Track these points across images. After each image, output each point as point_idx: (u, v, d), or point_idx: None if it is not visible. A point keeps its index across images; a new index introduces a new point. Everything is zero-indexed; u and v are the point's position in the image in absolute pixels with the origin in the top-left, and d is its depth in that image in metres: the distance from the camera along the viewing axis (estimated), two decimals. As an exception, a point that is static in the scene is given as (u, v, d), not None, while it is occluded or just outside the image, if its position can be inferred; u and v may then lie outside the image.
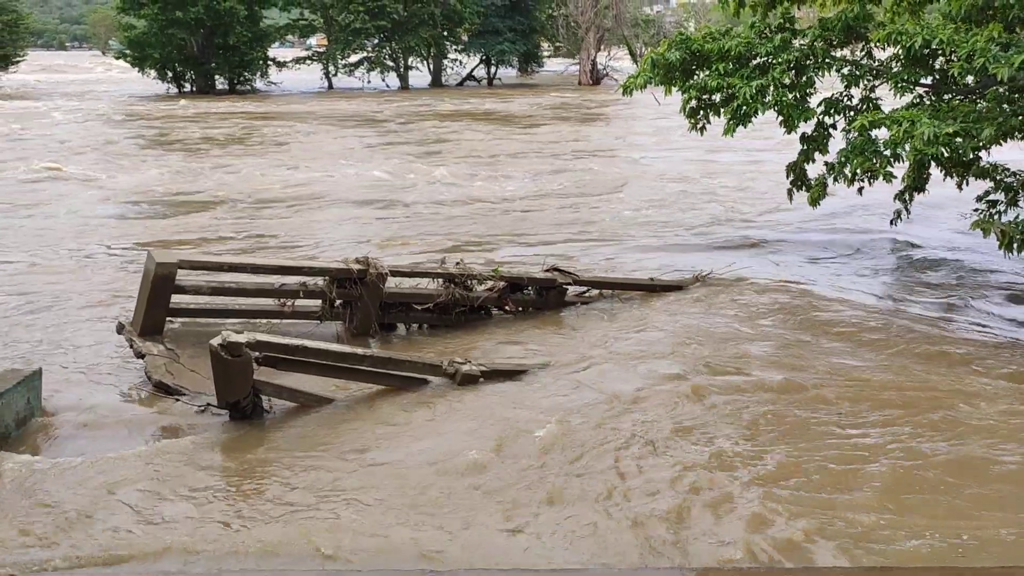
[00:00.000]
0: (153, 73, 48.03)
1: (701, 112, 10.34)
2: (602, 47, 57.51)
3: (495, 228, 13.69)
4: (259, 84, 50.37)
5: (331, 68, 52.59)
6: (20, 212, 14.81)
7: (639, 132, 28.62)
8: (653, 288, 9.68)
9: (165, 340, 7.60)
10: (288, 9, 53.35)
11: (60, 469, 5.65)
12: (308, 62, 53.21)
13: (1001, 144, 8.00)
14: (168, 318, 7.81)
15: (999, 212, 9.28)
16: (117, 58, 51.70)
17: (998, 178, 9.28)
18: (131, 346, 7.52)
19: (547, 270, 9.27)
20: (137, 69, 48.25)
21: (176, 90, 48.10)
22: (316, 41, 62.72)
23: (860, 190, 10.17)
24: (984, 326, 8.73)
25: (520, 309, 9.03)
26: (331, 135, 27.41)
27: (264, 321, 8.25)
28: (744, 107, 9.57)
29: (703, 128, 10.50)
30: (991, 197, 9.60)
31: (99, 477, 5.57)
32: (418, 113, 35.17)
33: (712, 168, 19.84)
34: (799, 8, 10.74)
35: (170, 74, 48.30)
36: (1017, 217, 8.25)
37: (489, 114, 34.86)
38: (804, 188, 10.82)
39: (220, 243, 12.63)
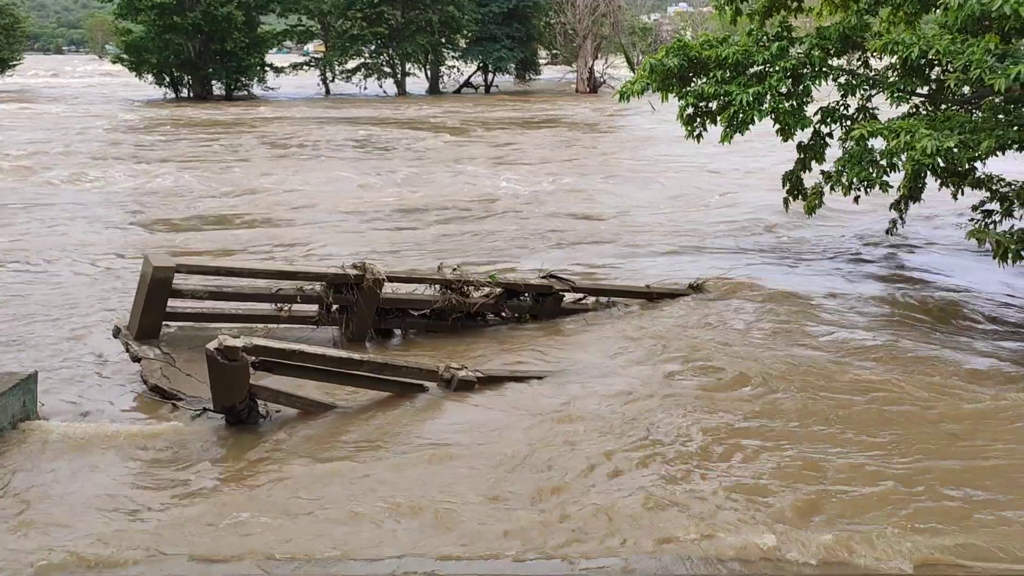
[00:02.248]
0: (150, 78, 47.98)
1: (698, 120, 10.37)
2: (599, 55, 57.59)
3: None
4: (256, 90, 50.34)
5: (328, 74, 52.60)
6: (20, 216, 14.82)
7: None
8: (650, 296, 9.68)
9: (161, 344, 7.60)
10: (286, 15, 53.31)
11: (51, 470, 5.65)
12: (306, 68, 53.21)
13: (997, 155, 8.03)
14: (165, 322, 7.81)
15: (994, 222, 9.31)
16: (114, 62, 51.65)
17: (993, 188, 9.32)
18: (127, 350, 7.52)
19: (543, 277, 9.27)
20: (134, 74, 48.18)
21: (173, 95, 48.07)
22: (313, 47, 62.66)
23: (856, 199, 10.20)
24: (971, 332, 8.77)
25: (516, 316, 9.03)
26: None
27: (261, 326, 8.25)
28: (741, 114, 9.59)
29: (700, 136, 10.52)
30: (986, 207, 9.63)
31: (90, 478, 5.58)
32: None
33: (716, 176, 19.88)
34: (795, 17, 10.79)
35: (167, 79, 48.26)
36: (1012, 227, 8.27)
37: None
38: (800, 197, 10.85)
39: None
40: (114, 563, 4.70)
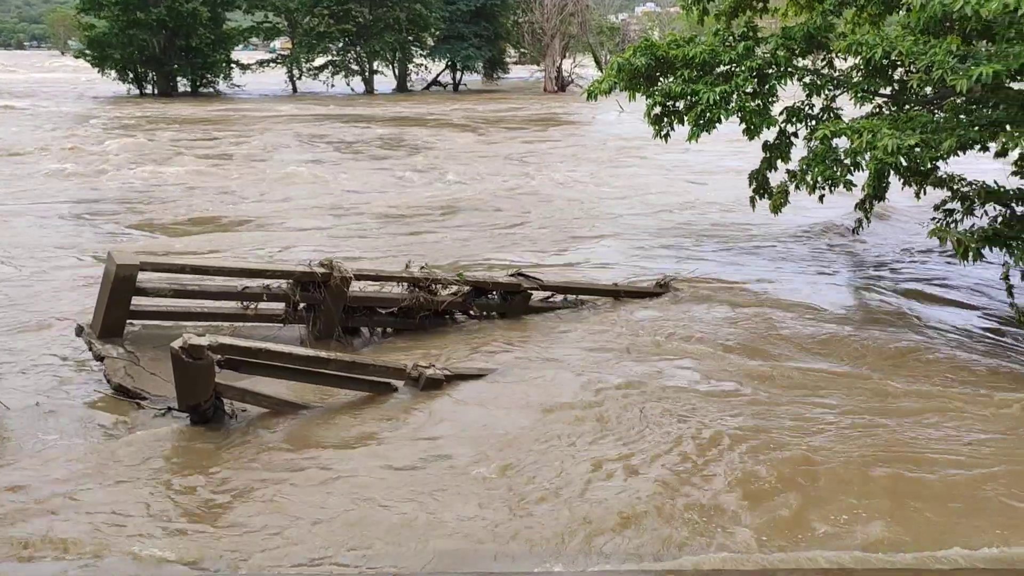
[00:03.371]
0: (114, 74, 47.43)
1: (665, 119, 10.42)
2: (567, 54, 57.75)
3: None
4: (222, 86, 49.93)
5: (295, 71, 52.29)
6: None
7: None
8: (617, 294, 9.72)
9: (125, 343, 7.51)
10: (252, 12, 52.92)
11: (9, 471, 5.58)
12: (272, 65, 52.86)
13: (959, 155, 8.13)
14: (129, 320, 7.72)
15: (956, 221, 9.43)
16: (77, 57, 51.03)
17: (955, 188, 9.42)
18: (90, 348, 7.42)
19: (512, 275, 9.27)
20: (97, 70, 47.61)
21: (137, 91, 47.54)
22: (280, 44, 62.28)
23: (821, 198, 10.29)
24: (935, 328, 8.90)
25: (484, 314, 9.02)
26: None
27: (227, 324, 8.18)
28: (707, 113, 9.64)
29: (667, 135, 10.56)
30: (948, 206, 9.75)
31: (50, 480, 5.51)
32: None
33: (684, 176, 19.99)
34: (761, 18, 10.86)
35: (131, 75, 47.72)
36: (972, 226, 8.38)
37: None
38: (766, 195, 10.93)
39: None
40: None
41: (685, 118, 10.11)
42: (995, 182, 8.83)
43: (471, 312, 8.96)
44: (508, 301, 9.13)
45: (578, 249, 12.68)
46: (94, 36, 46.40)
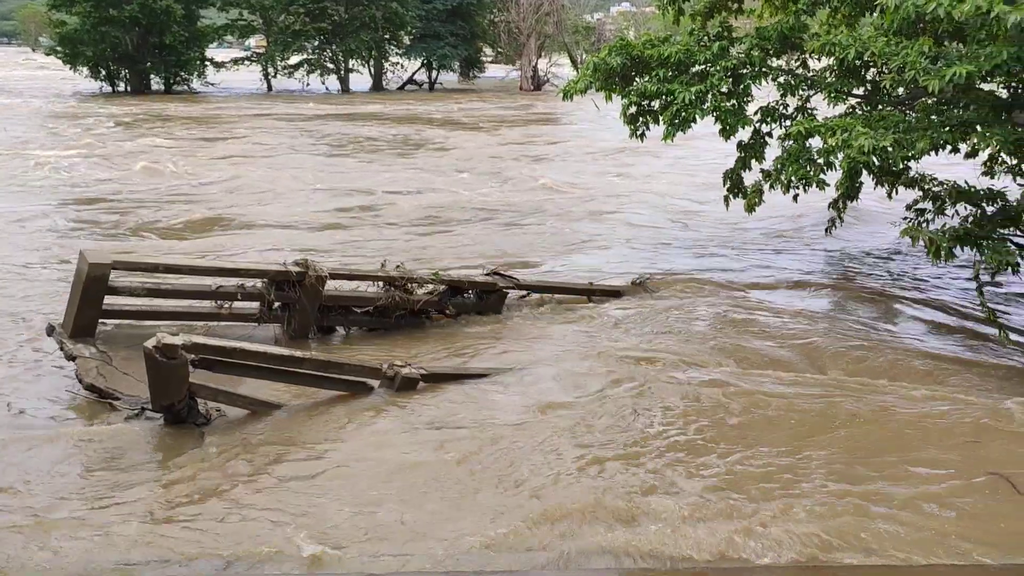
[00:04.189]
0: (85, 71, 46.97)
1: (640, 119, 10.45)
2: (543, 53, 57.80)
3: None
4: (196, 85, 49.57)
5: (270, 70, 51.99)
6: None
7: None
8: (592, 293, 9.74)
9: (97, 342, 7.45)
10: (226, 9, 52.54)
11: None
12: (247, 63, 52.53)
13: (931, 155, 8.20)
14: (101, 320, 7.65)
15: (927, 220, 9.52)
16: (48, 55, 50.49)
17: (926, 187, 9.51)
18: (62, 348, 7.35)
19: (488, 274, 9.27)
20: (69, 67, 47.13)
21: (110, 89, 47.10)
22: (255, 42, 61.89)
23: (795, 197, 10.35)
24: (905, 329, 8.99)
25: (460, 313, 9.01)
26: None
27: (201, 323, 8.13)
28: (683, 113, 9.69)
29: (643, 135, 10.60)
30: (919, 206, 9.84)
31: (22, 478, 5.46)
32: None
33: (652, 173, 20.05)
34: (736, 18, 10.91)
35: (103, 72, 47.28)
36: (944, 226, 8.47)
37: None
38: (741, 195, 10.98)
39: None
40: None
41: (660, 118, 10.15)
42: (966, 182, 8.92)
43: (447, 311, 8.95)
44: (484, 300, 9.13)
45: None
46: (65, 33, 45.90)
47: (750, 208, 10.47)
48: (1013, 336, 8.51)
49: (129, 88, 47.37)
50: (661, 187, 18.31)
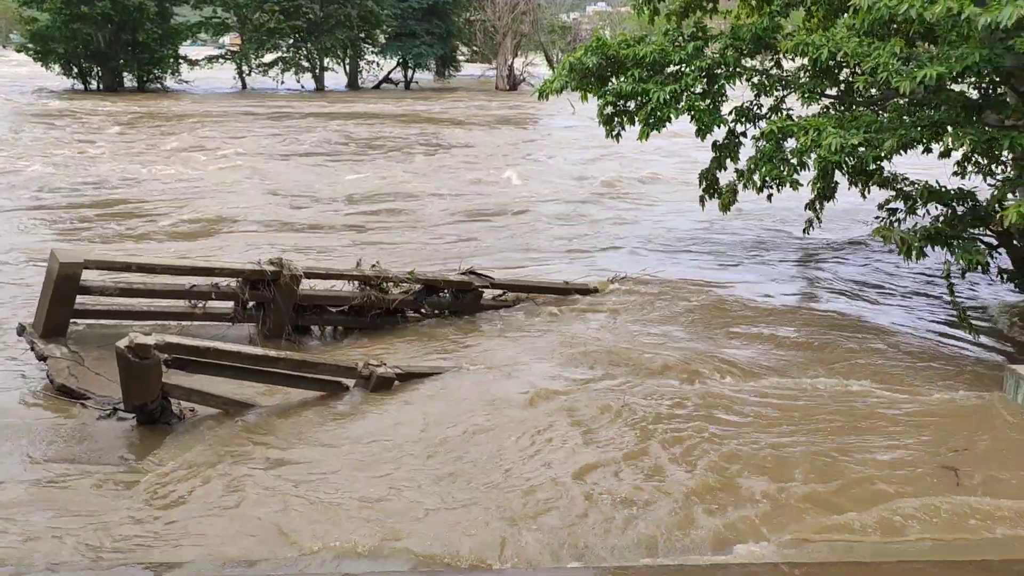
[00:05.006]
0: (57, 68, 46.48)
1: (616, 119, 10.48)
2: (519, 53, 57.80)
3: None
4: (170, 82, 49.17)
5: (245, 68, 51.65)
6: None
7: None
8: (568, 292, 9.76)
9: (69, 342, 7.38)
10: (200, 7, 52.15)
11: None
12: (221, 61, 52.17)
13: (902, 154, 8.28)
14: (72, 320, 7.58)
15: (899, 220, 9.60)
16: (19, 51, 49.88)
17: (898, 187, 9.60)
18: (33, 348, 7.28)
19: (463, 273, 9.26)
20: (40, 64, 46.62)
21: (82, 86, 46.63)
22: (229, 40, 61.42)
23: (769, 197, 10.43)
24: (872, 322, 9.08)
25: (436, 312, 9.00)
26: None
27: (174, 323, 8.07)
28: (658, 112, 9.73)
29: (619, 135, 10.63)
30: (891, 205, 9.93)
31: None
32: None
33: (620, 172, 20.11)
34: (711, 19, 10.97)
35: (75, 70, 46.80)
36: (915, 225, 8.54)
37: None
38: (716, 195, 11.04)
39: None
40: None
41: (636, 118, 10.19)
42: (937, 182, 9.01)
43: (423, 310, 8.94)
44: (459, 299, 9.12)
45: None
46: (36, 30, 45.37)
47: (725, 208, 10.53)
48: (983, 338, 8.62)
49: (101, 86, 46.90)
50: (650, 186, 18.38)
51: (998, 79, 8.30)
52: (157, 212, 14.65)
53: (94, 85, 47.09)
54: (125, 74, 47.87)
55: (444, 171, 20.09)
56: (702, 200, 11.31)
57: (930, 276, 11.02)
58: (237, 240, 12.75)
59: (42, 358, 7.11)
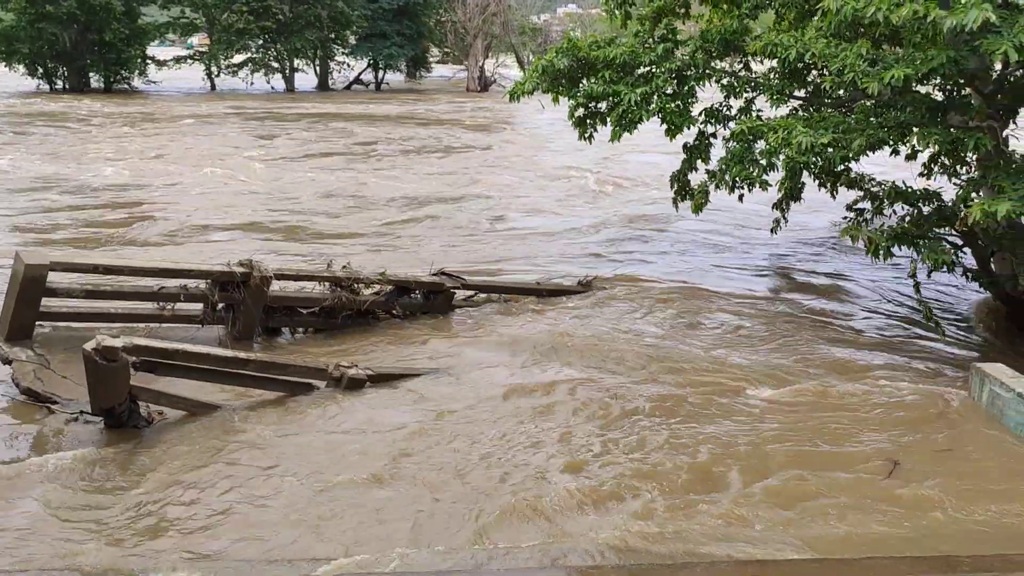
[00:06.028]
0: (22, 69, 45.88)
1: (588, 121, 10.49)
2: (490, 54, 57.75)
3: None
4: (137, 83, 48.67)
5: (214, 68, 51.25)
6: None
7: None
8: (540, 292, 9.77)
9: (35, 345, 7.28)
10: (168, 7, 51.65)
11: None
12: (189, 62, 51.70)
13: (869, 155, 8.36)
14: (38, 322, 7.49)
15: (866, 220, 9.69)
16: (-18, 52, 49.15)
17: (866, 188, 9.69)
18: (-4, 351, 7.18)
19: (434, 274, 9.24)
20: (4, 64, 45.99)
21: (47, 87, 46.06)
22: (198, 40, 60.87)
23: (740, 197, 10.48)
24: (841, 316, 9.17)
25: (407, 313, 8.98)
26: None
27: (143, 325, 7.99)
28: (629, 114, 9.75)
29: (591, 137, 10.64)
30: (859, 206, 10.01)
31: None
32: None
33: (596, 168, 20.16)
34: (684, 23, 11.01)
35: (41, 70, 46.23)
36: (883, 225, 8.63)
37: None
38: (688, 196, 11.08)
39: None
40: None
41: (608, 119, 10.20)
42: (903, 182, 9.11)
43: (394, 312, 8.91)
44: (431, 300, 9.11)
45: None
46: (1, 30, 44.77)
47: (697, 209, 10.58)
48: (950, 336, 8.74)
49: (67, 86, 46.35)
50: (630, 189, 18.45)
51: (962, 81, 8.40)
52: (133, 216, 14.49)
53: (60, 85, 46.52)
54: (92, 74, 47.33)
55: (418, 171, 20.04)
56: (675, 202, 11.35)
57: (899, 276, 11.14)
58: (210, 242, 12.65)
59: (6, 361, 7.00)
